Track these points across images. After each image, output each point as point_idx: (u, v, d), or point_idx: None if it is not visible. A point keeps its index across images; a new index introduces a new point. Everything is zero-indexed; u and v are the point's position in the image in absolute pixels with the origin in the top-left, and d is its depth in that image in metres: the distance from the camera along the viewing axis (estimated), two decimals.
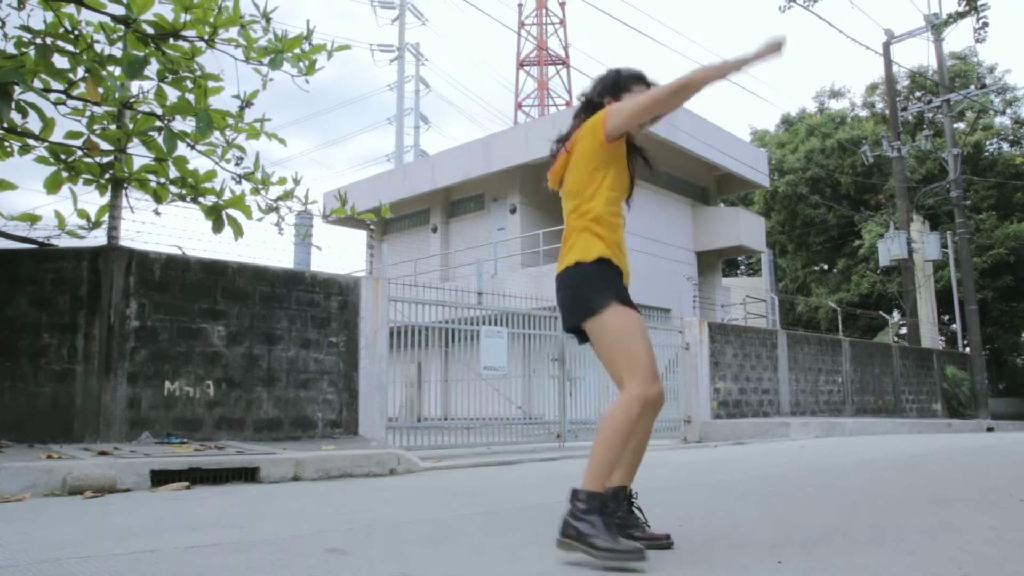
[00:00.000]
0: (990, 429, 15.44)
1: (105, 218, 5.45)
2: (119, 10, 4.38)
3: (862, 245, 26.19)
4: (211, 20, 4.44)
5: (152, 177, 5.18)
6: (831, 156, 28.44)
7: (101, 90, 4.53)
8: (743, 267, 36.53)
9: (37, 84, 4.45)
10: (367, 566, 2.13)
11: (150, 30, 4.41)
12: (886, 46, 19.22)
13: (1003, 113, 28.92)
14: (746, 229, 20.32)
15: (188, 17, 4.41)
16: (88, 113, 4.83)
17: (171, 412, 5.64)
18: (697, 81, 2.26)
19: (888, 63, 19.46)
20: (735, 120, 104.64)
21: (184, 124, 4.99)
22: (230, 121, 5.06)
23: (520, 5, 39.44)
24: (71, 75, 4.57)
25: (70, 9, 4.44)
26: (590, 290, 2.34)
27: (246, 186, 5.49)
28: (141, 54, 4.40)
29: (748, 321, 17.99)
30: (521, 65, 38.31)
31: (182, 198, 5.30)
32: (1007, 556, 2.24)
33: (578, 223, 2.43)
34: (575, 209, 2.46)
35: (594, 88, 2.59)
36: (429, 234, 21.85)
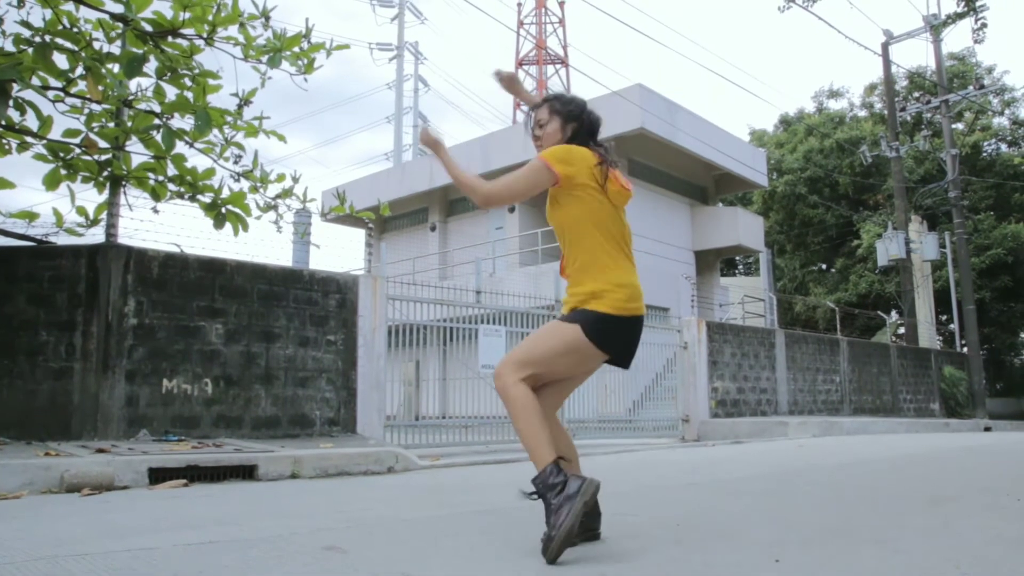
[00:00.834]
0: (988, 429, 15.47)
1: (103, 216, 5.44)
2: (118, 8, 4.37)
3: (860, 245, 26.18)
4: (210, 18, 4.44)
5: (151, 175, 5.18)
6: (830, 156, 28.43)
7: (101, 88, 4.52)
8: (741, 267, 36.54)
9: (35, 81, 4.44)
10: (365, 564, 2.13)
11: (149, 28, 4.40)
12: (885, 46, 19.23)
13: (1001, 114, 28.94)
14: (744, 229, 20.35)
15: (187, 15, 4.40)
16: (86, 111, 4.82)
17: (169, 410, 5.63)
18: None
19: (887, 63, 19.48)
20: (734, 120, 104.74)
21: (183, 122, 4.99)
22: (229, 119, 5.06)
23: (519, 4, 39.36)
24: (70, 73, 4.56)
25: (69, 6, 4.43)
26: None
27: (245, 184, 5.49)
28: (140, 52, 4.39)
29: (746, 320, 18.01)
30: (520, 64, 38.24)
31: (180, 196, 5.29)
32: (1005, 555, 2.24)
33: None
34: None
35: (568, 103, 2.55)
36: (427, 233, 21.87)
